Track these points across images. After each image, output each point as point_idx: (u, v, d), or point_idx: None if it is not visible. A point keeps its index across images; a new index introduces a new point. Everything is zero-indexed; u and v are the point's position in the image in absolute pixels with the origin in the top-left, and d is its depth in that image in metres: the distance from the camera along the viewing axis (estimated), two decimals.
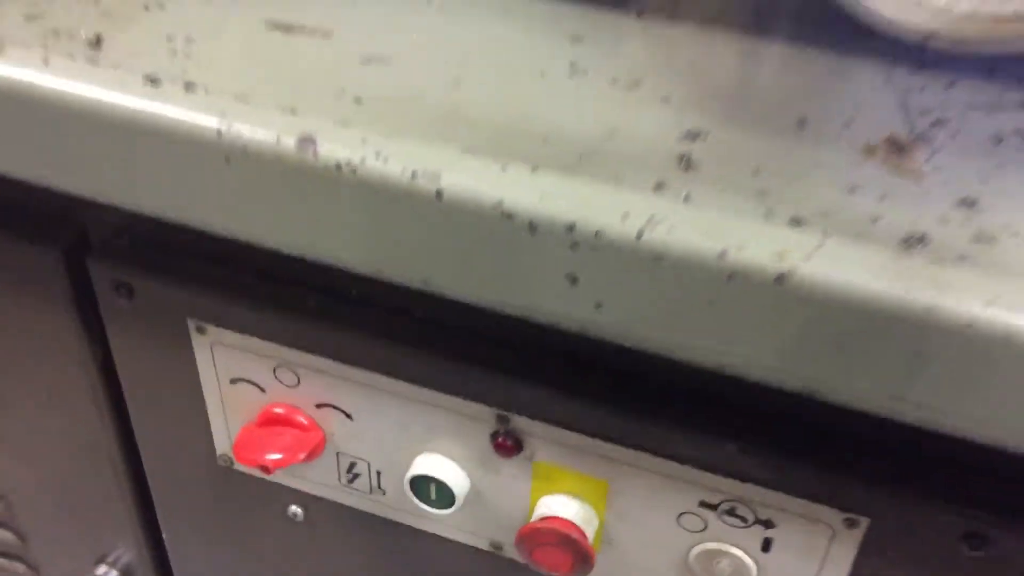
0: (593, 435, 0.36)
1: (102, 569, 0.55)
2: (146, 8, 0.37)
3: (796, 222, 0.28)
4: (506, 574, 0.43)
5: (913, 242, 0.28)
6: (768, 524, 0.35)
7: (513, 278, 0.30)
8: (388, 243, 0.30)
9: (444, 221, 0.29)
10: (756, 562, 0.37)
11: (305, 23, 0.37)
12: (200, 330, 0.40)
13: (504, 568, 0.43)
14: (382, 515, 0.43)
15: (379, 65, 0.35)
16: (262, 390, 0.41)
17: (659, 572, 0.39)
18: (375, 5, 0.39)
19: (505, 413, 0.37)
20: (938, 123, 0.34)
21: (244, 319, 0.39)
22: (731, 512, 0.36)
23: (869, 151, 0.32)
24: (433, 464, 0.39)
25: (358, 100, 0.33)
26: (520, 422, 0.37)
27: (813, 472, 0.34)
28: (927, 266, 0.26)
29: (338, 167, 0.29)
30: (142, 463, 0.48)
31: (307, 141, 0.29)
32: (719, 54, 0.37)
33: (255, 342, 0.39)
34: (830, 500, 0.34)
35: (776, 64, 0.37)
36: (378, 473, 0.41)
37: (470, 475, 0.39)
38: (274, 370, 0.40)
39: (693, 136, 0.32)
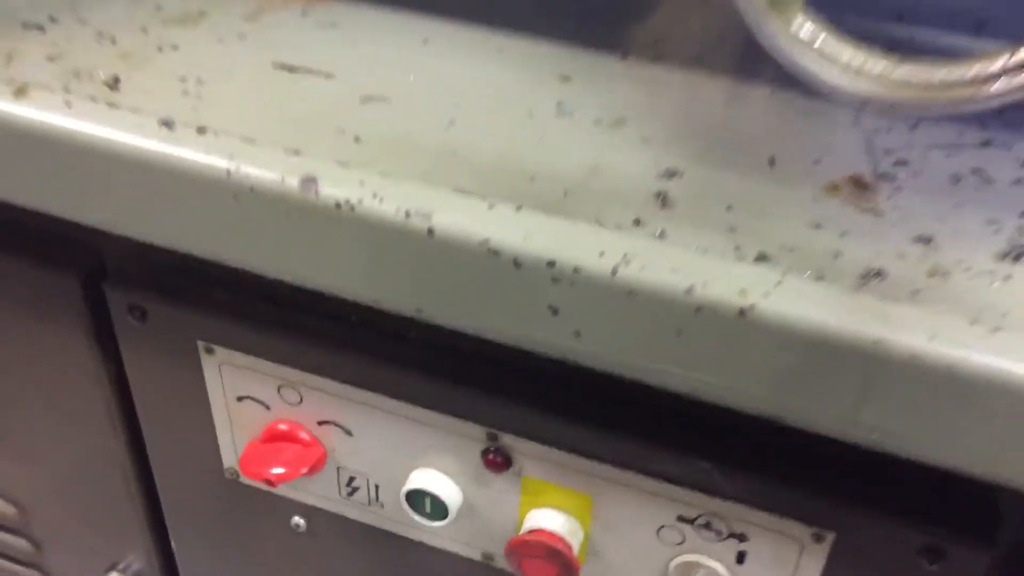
0: (577, 452, 0.38)
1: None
2: (160, 49, 0.40)
3: (762, 257, 0.31)
4: None
5: (871, 276, 0.30)
6: (742, 538, 0.37)
7: (499, 309, 0.32)
8: (384, 275, 0.33)
9: (435, 256, 0.31)
10: (731, 573, 0.39)
11: (309, 64, 0.39)
12: (209, 351, 0.42)
13: None
14: (380, 526, 0.46)
15: (378, 104, 0.37)
16: (267, 407, 0.43)
17: None
18: (374, 46, 0.41)
19: (495, 431, 0.39)
20: (900, 163, 0.36)
21: (250, 341, 0.41)
22: (707, 526, 0.38)
23: (834, 189, 0.35)
24: (428, 479, 0.41)
25: (357, 139, 0.35)
26: (509, 440, 0.39)
27: (782, 489, 0.36)
28: (877, 302, 0.29)
29: (338, 206, 0.31)
30: (153, 475, 0.50)
31: (310, 181, 0.32)
32: (698, 95, 0.40)
33: (261, 363, 0.42)
34: (798, 515, 0.36)
35: (751, 105, 0.39)
36: (376, 487, 0.44)
37: (463, 489, 0.41)
38: (278, 389, 0.42)
39: (670, 174, 0.35)
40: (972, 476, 0.29)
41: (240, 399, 0.43)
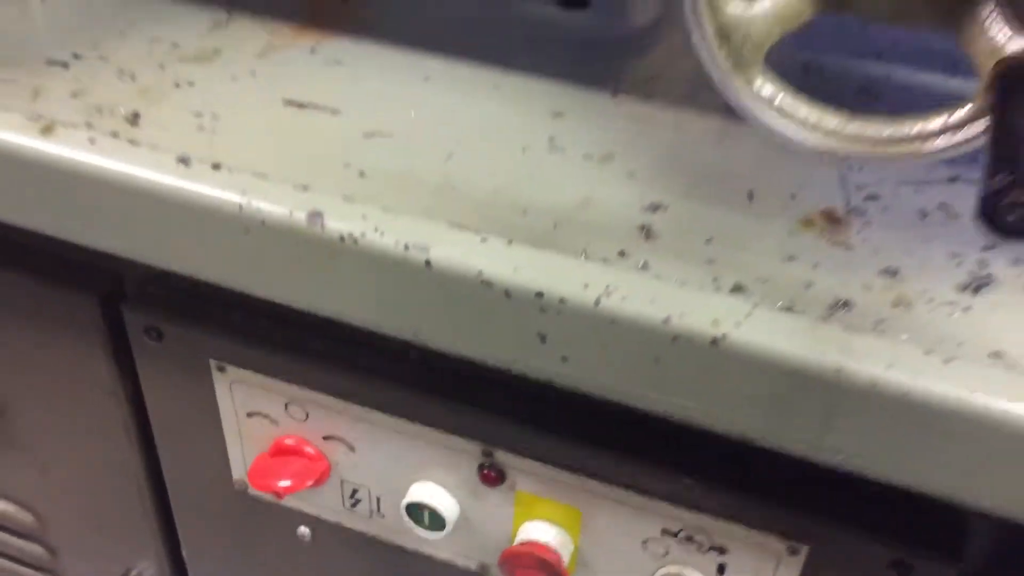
0: (568, 469, 0.40)
1: None
2: (177, 85, 0.42)
3: (738, 288, 0.33)
4: None
5: (839, 307, 0.33)
6: (722, 550, 0.39)
7: (492, 335, 0.34)
8: (384, 303, 0.35)
9: (432, 286, 0.33)
10: None
11: (316, 100, 0.42)
12: (221, 369, 0.45)
13: None
14: (381, 537, 0.48)
15: (381, 140, 0.40)
16: (275, 423, 0.45)
17: None
18: (378, 82, 0.44)
19: (490, 448, 0.41)
20: (871, 197, 0.38)
21: (260, 361, 0.44)
22: (689, 539, 0.40)
23: (808, 223, 0.37)
24: (426, 492, 0.43)
25: (362, 173, 0.37)
26: (503, 456, 0.41)
27: (759, 504, 0.38)
28: (841, 332, 0.31)
29: (342, 239, 0.34)
30: (166, 486, 0.52)
31: (316, 216, 0.34)
32: (684, 132, 0.42)
33: (269, 381, 0.44)
34: (775, 530, 0.38)
35: (735, 141, 0.41)
36: (378, 499, 0.46)
37: (459, 502, 0.44)
38: (286, 406, 0.45)
39: (655, 208, 0.37)
40: (932, 495, 0.31)
41: (250, 415, 0.46)
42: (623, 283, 0.32)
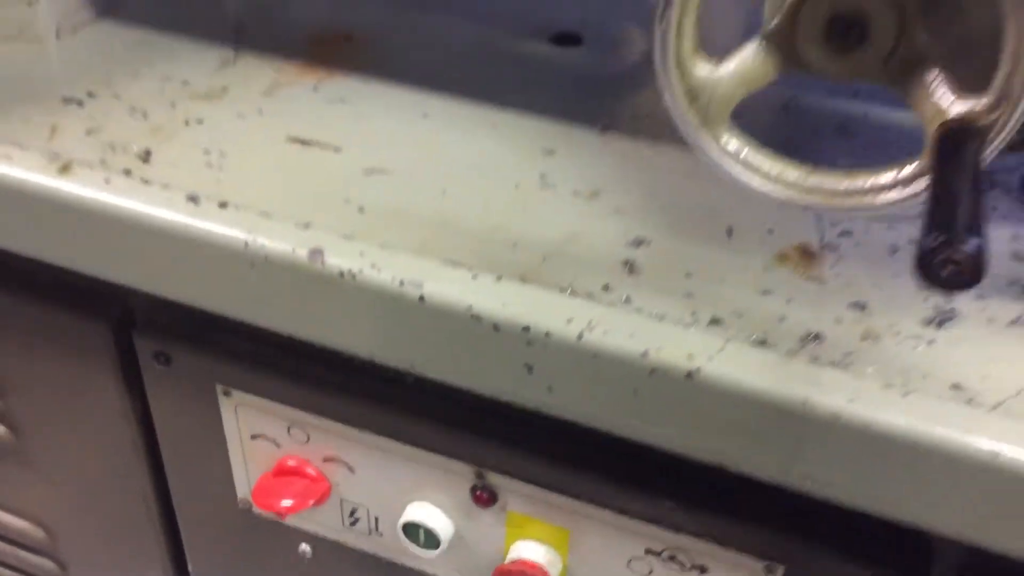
0: (557, 490, 0.42)
1: None
2: (187, 123, 0.44)
3: (715, 321, 0.35)
4: None
5: (810, 340, 0.34)
6: (703, 569, 0.41)
7: (481, 365, 0.36)
8: (380, 335, 0.37)
9: (425, 320, 0.35)
10: None
11: (319, 138, 0.44)
12: (226, 393, 0.47)
13: None
14: (379, 554, 0.49)
15: (380, 176, 0.42)
16: (278, 445, 0.47)
17: None
18: (379, 120, 0.46)
19: (483, 470, 0.43)
20: (845, 233, 0.40)
21: (264, 385, 0.45)
22: (672, 558, 0.42)
23: (783, 258, 0.39)
24: (422, 512, 0.45)
25: (361, 209, 0.39)
26: (495, 478, 0.43)
27: (737, 526, 0.40)
28: (808, 366, 0.33)
29: (341, 275, 0.36)
30: (173, 504, 0.54)
31: (317, 253, 0.36)
32: (670, 169, 0.44)
33: (273, 405, 0.46)
34: (752, 550, 0.40)
35: (717, 179, 0.43)
36: (376, 518, 0.48)
37: (453, 522, 0.45)
38: (288, 429, 0.46)
39: (638, 243, 0.39)
40: (896, 520, 0.33)
41: (254, 437, 0.48)
42: (604, 318, 0.34)
